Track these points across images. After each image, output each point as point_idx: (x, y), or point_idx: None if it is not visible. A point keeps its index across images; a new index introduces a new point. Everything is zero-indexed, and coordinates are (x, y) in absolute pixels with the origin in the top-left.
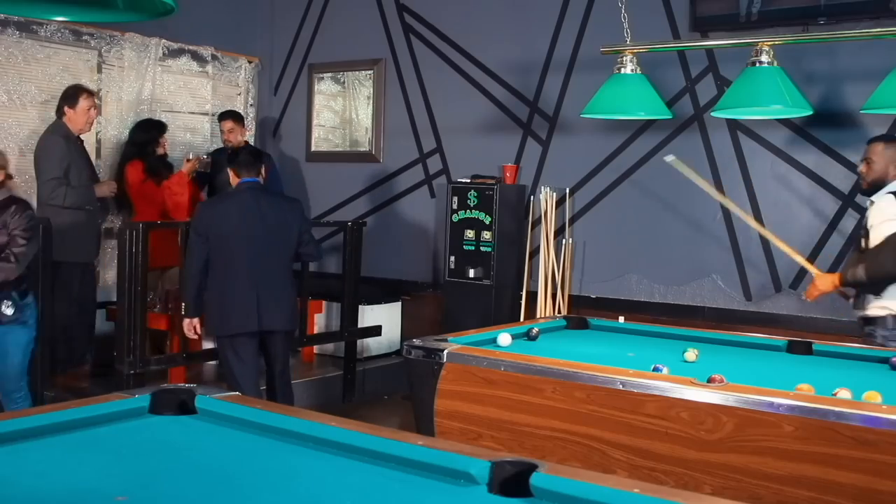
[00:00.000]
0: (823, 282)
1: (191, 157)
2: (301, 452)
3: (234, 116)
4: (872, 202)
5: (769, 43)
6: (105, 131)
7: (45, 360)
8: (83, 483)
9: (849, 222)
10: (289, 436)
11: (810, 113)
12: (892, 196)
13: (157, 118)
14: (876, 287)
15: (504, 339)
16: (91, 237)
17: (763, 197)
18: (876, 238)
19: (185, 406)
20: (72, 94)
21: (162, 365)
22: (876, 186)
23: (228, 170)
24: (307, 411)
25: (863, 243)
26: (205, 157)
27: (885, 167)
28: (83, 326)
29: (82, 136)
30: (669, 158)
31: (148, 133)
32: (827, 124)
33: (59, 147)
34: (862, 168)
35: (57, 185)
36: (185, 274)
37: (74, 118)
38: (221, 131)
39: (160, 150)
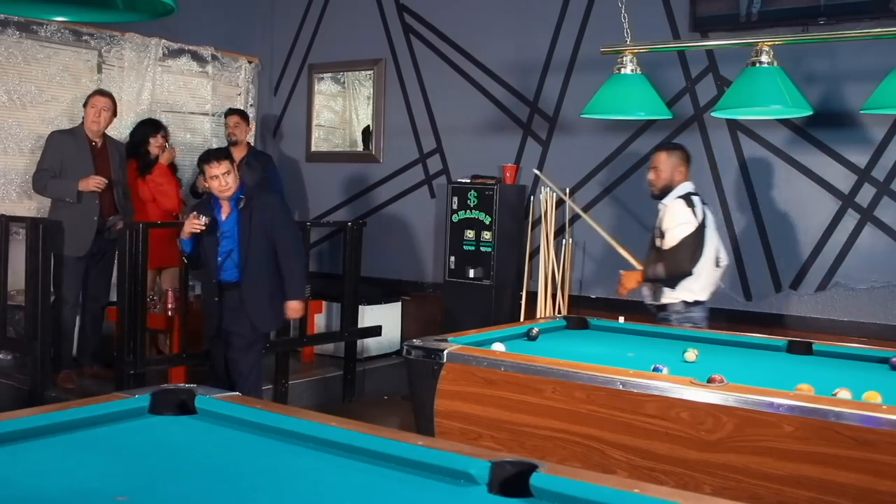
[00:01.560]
0: (629, 279)
1: (167, 147)
2: (301, 452)
3: (240, 113)
4: (665, 205)
5: (769, 43)
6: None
7: (45, 360)
8: (83, 483)
9: (849, 222)
10: (289, 436)
11: (810, 113)
12: (682, 200)
13: (157, 118)
14: (672, 283)
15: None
16: (82, 231)
17: (763, 197)
18: (672, 240)
19: (185, 406)
20: (87, 97)
21: (162, 365)
22: (666, 191)
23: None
24: (307, 411)
25: (658, 242)
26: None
27: (670, 174)
28: (87, 324)
29: (112, 137)
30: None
31: (141, 132)
32: (827, 124)
33: (54, 141)
34: (651, 176)
35: (41, 175)
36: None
37: (85, 118)
38: (226, 125)
39: (153, 151)
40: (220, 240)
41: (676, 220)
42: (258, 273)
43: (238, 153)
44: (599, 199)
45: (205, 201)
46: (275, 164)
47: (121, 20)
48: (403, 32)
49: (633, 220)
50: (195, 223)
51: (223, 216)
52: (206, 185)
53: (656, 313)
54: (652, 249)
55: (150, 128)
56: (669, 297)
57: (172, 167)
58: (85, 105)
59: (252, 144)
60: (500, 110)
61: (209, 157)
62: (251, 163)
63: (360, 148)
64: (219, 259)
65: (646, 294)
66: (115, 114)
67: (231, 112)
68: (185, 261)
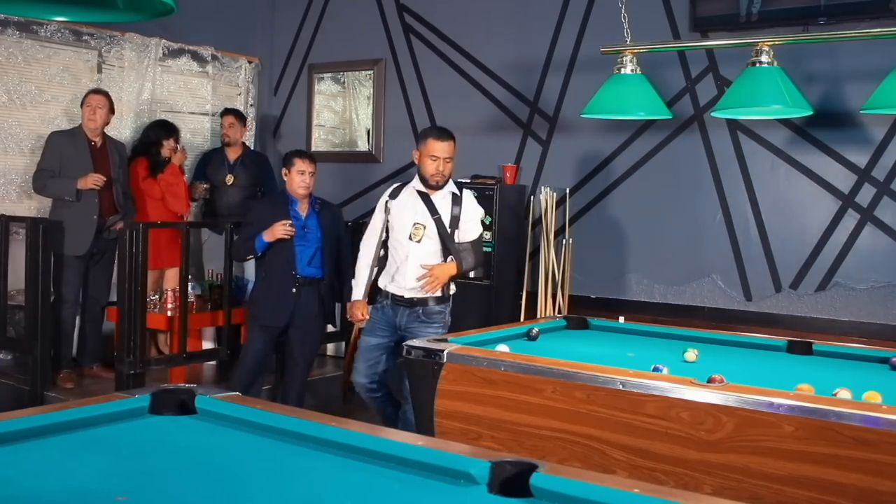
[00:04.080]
0: (443, 271)
1: (178, 149)
2: (301, 452)
3: (236, 113)
4: (457, 196)
5: (769, 43)
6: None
7: (45, 360)
8: (83, 483)
9: (849, 222)
10: (289, 436)
11: (810, 113)
12: (471, 194)
13: (158, 118)
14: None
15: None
16: (82, 231)
17: (763, 197)
18: (476, 232)
19: (185, 406)
20: (83, 97)
21: (162, 365)
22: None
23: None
24: (307, 411)
25: (450, 232)
26: (203, 184)
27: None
28: (87, 324)
29: (112, 136)
30: None
31: (155, 134)
32: (827, 124)
33: (53, 141)
34: (445, 167)
35: (41, 174)
36: None
37: (83, 118)
38: (221, 125)
39: (164, 153)
40: (304, 235)
41: (478, 213)
42: (331, 271)
43: (233, 153)
44: (599, 199)
45: (277, 199)
46: (270, 164)
47: (121, 20)
48: (403, 32)
49: (634, 220)
50: (288, 230)
51: (303, 215)
52: (206, 188)
53: (431, 309)
54: (451, 241)
55: (163, 131)
56: (451, 288)
57: (181, 169)
58: (82, 105)
59: (246, 144)
60: (500, 110)
61: (303, 153)
62: (247, 162)
63: (360, 148)
64: (307, 253)
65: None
66: (111, 111)
67: (227, 112)
68: (252, 257)
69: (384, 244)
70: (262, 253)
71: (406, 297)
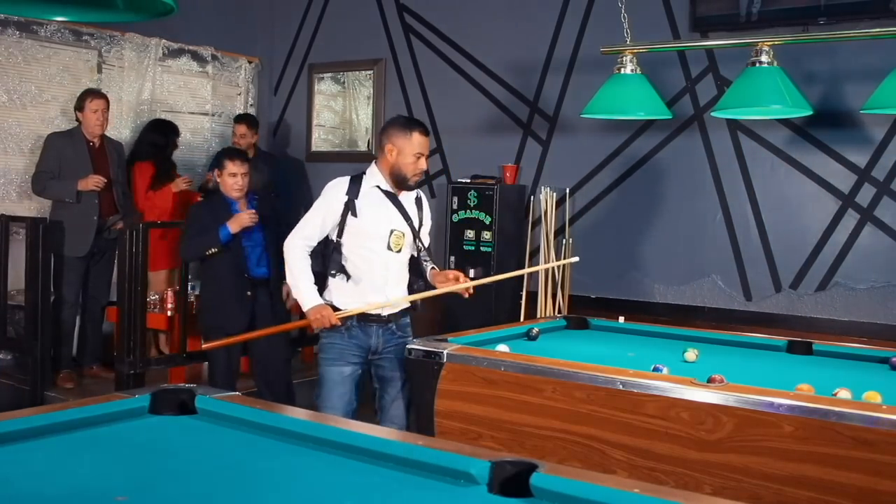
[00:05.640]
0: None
1: (183, 178)
2: (301, 452)
3: (248, 121)
4: (419, 198)
5: (769, 43)
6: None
7: (45, 360)
8: (83, 483)
9: (849, 222)
10: (289, 436)
11: (810, 113)
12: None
13: (158, 118)
14: None
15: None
16: (83, 231)
17: (763, 197)
18: (428, 238)
19: (185, 406)
20: (80, 99)
21: (162, 365)
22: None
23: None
24: (307, 411)
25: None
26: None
27: None
28: (87, 324)
29: (110, 136)
30: None
31: (166, 137)
32: (827, 124)
33: (52, 143)
34: (426, 164)
35: (40, 176)
36: None
37: (85, 122)
38: (233, 133)
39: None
40: (250, 236)
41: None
42: (278, 267)
43: None
44: (599, 199)
45: (215, 201)
46: (279, 164)
47: (121, 20)
48: (403, 32)
49: (634, 220)
50: (254, 216)
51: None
52: (220, 179)
53: (403, 321)
54: (425, 248)
55: (172, 132)
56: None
57: (180, 194)
58: (79, 108)
59: (258, 147)
60: (500, 110)
61: (234, 154)
62: (259, 165)
63: (360, 148)
64: (255, 253)
65: (404, 299)
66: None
67: (239, 120)
68: (214, 250)
69: (331, 251)
70: (217, 250)
71: (384, 314)
